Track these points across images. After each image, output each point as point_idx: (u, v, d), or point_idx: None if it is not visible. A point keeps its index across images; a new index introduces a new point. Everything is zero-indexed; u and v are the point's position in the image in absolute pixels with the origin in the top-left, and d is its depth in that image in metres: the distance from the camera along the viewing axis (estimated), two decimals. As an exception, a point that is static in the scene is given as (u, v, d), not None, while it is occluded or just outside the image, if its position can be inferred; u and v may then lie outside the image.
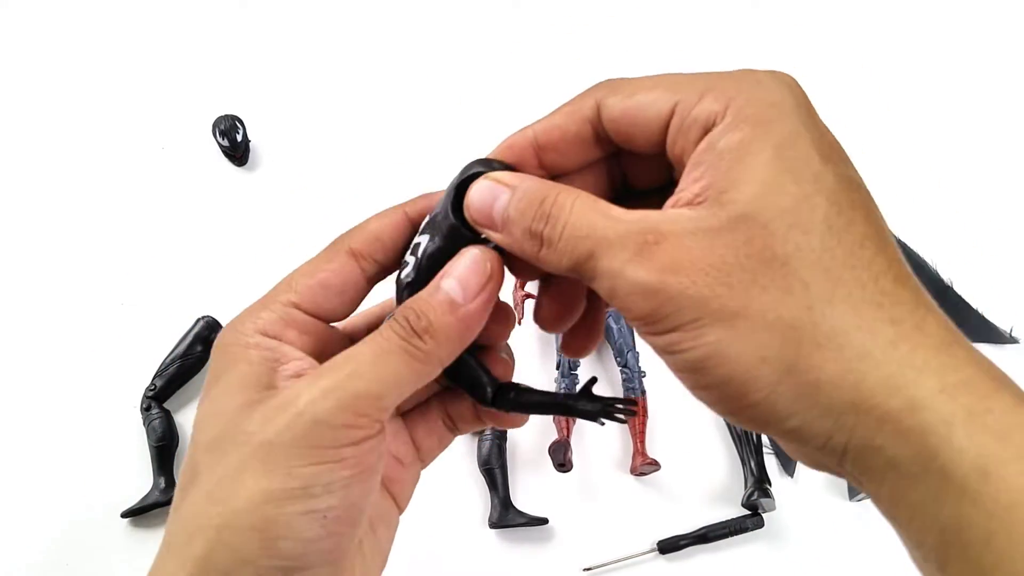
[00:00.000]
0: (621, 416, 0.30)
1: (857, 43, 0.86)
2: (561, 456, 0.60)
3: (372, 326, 0.28)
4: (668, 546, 0.59)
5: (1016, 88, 0.82)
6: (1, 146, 0.78)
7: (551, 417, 0.62)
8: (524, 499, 0.61)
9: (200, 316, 0.66)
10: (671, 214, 0.21)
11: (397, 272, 0.29)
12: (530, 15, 0.88)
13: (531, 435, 0.64)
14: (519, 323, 0.65)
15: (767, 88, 0.21)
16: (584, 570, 0.59)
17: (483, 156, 0.27)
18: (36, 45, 0.85)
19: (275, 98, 0.81)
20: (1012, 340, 0.67)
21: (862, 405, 0.19)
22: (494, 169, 0.26)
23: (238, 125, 0.76)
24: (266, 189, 0.76)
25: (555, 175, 0.26)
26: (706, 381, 0.21)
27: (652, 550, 0.59)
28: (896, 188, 0.76)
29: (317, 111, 0.80)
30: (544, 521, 0.59)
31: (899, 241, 0.72)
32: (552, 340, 0.67)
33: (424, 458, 0.32)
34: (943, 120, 0.80)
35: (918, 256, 0.72)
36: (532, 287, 0.63)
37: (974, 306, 0.69)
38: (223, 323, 0.66)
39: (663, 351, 0.21)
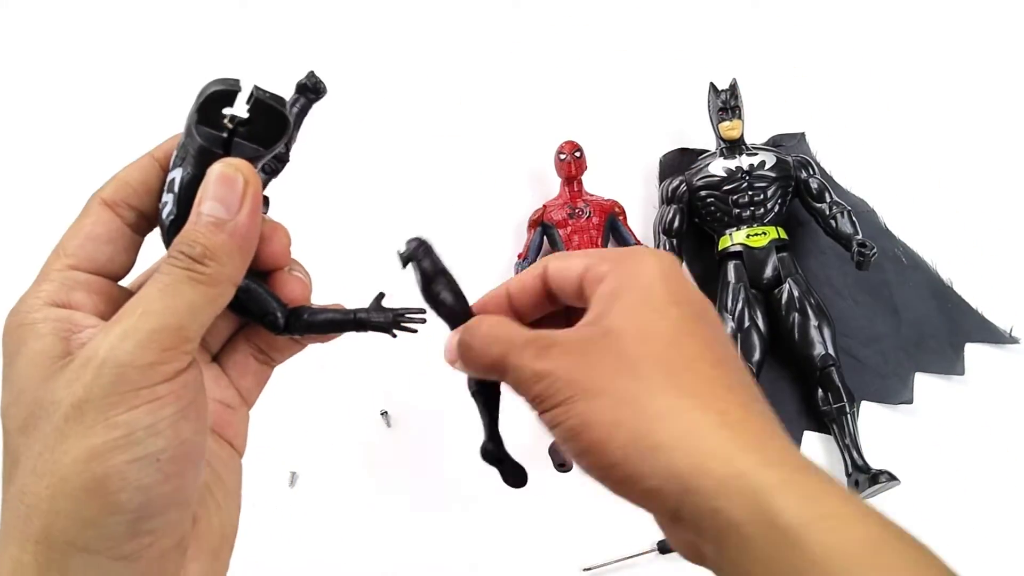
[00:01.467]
0: (412, 327, 0.30)
1: (857, 43, 0.86)
2: (561, 456, 0.60)
3: None
4: (668, 546, 0.59)
5: (1016, 88, 0.82)
6: (1, 147, 0.78)
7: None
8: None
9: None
10: (567, 331, 0.29)
11: (159, 214, 0.28)
12: (530, 15, 0.88)
13: (531, 435, 0.64)
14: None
15: (640, 262, 0.29)
16: (584, 570, 0.59)
17: (225, 77, 0.27)
18: (36, 46, 0.85)
19: (275, 98, 0.81)
20: (1012, 340, 0.67)
21: (697, 470, 0.24)
22: (230, 86, 0.27)
23: (238, 125, 0.76)
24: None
25: (521, 317, 0.33)
26: (578, 448, 0.26)
27: (652, 550, 0.59)
28: (896, 188, 0.76)
29: (316, 111, 0.80)
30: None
31: (900, 243, 0.72)
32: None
33: (248, 399, 0.32)
34: (943, 120, 0.80)
35: (918, 256, 0.72)
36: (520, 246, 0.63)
37: (974, 306, 0.69)
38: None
39: (549, 426, 0.28)
